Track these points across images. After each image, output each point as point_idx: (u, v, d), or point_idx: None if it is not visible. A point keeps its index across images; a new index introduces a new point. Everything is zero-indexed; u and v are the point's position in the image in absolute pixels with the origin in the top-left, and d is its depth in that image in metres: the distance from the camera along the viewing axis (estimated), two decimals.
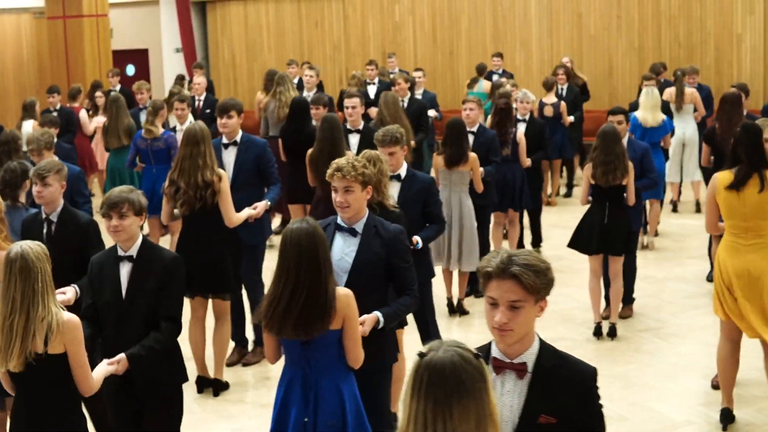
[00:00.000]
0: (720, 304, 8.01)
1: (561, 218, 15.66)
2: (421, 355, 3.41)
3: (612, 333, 10.31)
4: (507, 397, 4.02)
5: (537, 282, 3.92)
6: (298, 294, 5.67)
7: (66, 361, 5.50)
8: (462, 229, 11.01)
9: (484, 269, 3.96)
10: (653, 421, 8.30)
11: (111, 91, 18.49)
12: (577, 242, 10.52)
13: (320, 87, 19.25)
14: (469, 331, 10.74)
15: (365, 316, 6.24)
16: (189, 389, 8.90)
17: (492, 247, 12.23)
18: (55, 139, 10.93)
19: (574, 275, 12.01)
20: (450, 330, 10.68)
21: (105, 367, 6.00)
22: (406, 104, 15.12)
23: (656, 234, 14.54)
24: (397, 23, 24.69)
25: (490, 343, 4.09)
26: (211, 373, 9.25)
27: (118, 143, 14.67)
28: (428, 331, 9.08)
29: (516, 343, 4.00)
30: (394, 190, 8.55)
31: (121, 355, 6.12)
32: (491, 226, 12.66)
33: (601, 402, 4.11)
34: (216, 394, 9.12)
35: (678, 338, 10.28)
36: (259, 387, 9.41)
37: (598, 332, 10.38)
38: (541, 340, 4.09)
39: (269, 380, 9.34)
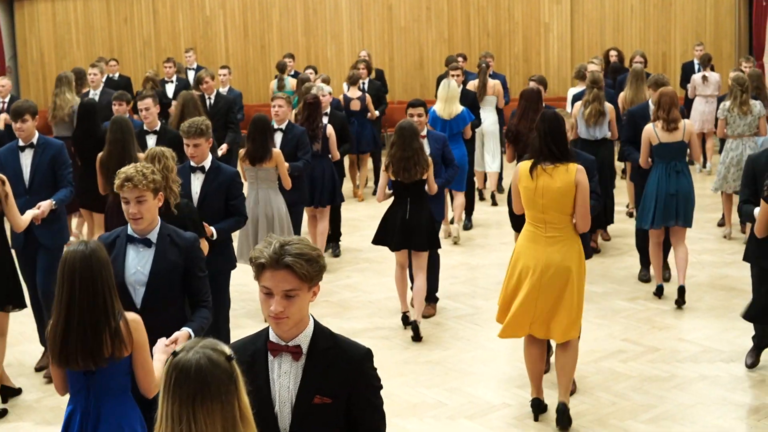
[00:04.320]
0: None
1: (377, 210, 15.68)
2: (174, 354, 3.42)
3: (414, 328, 10.10)
4: (284, 379, 4.11)
5: (310, 270, 3.99)
6: (75, 322, 5.38)
7: None
8: (270, 225, 10.86)
9: (258, 260, 4.00)
10: (471, 405, 8.36)
11: None
12: (381, 238, 10.47)
13: (126, 83, 18.94)
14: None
15: (177, 334, 6.07)
16: None
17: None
18: None
19: (388, 265, 12.04)
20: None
21: None
22: (212, 101, 14.95)
23: (469, 226, 14.73)
24: (208, 17, 24.40)
25: (268, 328, 4.16)
26: None
27: None
28: (217, 325, 8.47)
29: (292, 329, 4.07)
30: (197, 183, 8.52)
31: None
32: (306, 220, 12.61)
33: (378, 383, 4.21)
34: None
35: (493, 323, 10.27)
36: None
37: (405, 321, 10.38)
38: (316, 322, 4.16)
39: None
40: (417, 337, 10.02)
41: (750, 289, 9.03)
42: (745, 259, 8.85)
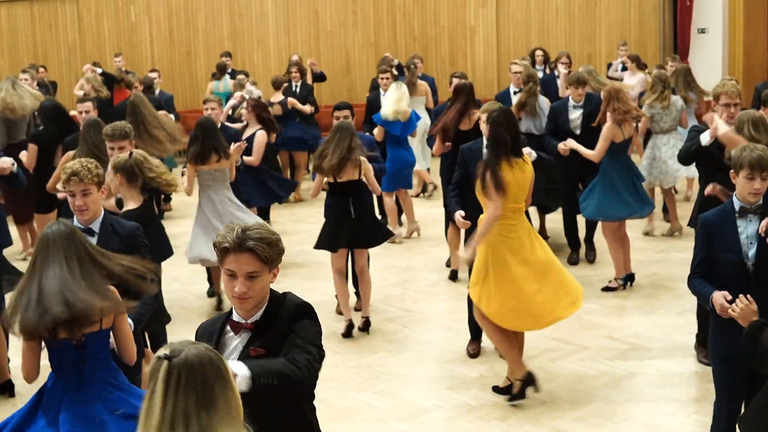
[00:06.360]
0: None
1: (305, 213, 15.70)
2: (168, 357, 3.26)
3: (366, 327, 10.17)
4: (234, 341, 4.49)
5: (271, 253, 4.35)
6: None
7: None
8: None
9: (221, 244, 4.34)
10: (401, 407, 8.31)
11: None
12: (324, 242, 10.20)
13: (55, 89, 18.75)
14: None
15: None
16: None
17: None
18: None
19: (319, 269, 12.00)
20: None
21: None
22: None
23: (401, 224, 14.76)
24: (133, 24, 24.24)
25: (231, 309, 4.52)
26: None
27: None
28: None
29: (254, 308, 4.46)
30: None
31: None
32: None
33: (318, 327, 4.51)
34: None
35: (422, 326, 10.37)
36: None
37: (349, 331, 10.10)
38: (271, 295, 4.50)
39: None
40: (367, 328, 10.20)
41: (677, 286, 9.09)
42: (690, 224, 9.14)
